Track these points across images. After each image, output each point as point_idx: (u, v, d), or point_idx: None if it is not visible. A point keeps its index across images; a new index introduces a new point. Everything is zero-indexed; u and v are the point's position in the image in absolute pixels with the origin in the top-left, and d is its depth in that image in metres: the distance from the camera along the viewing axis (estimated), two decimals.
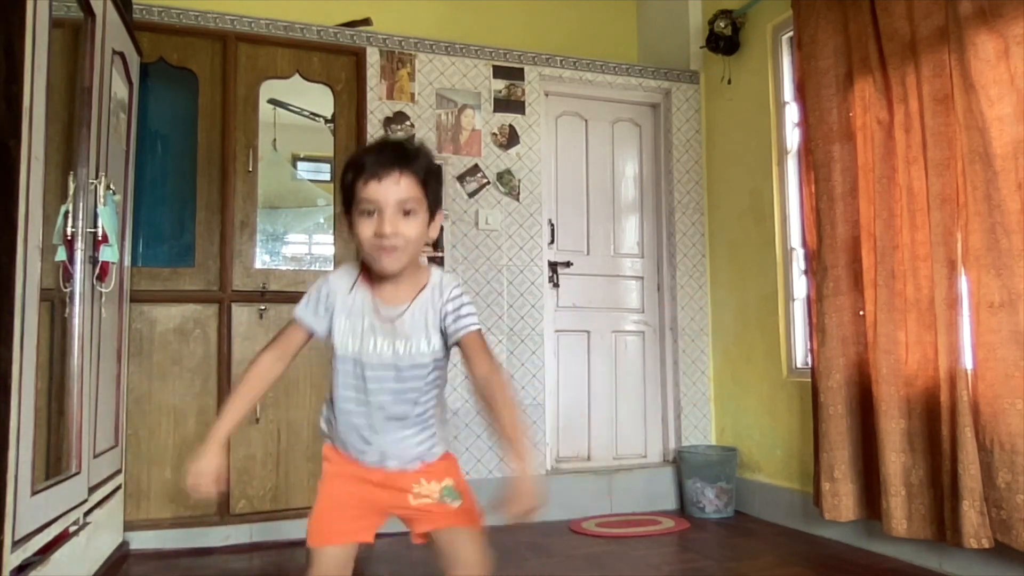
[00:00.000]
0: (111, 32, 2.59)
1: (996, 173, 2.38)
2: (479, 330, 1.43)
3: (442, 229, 3.54)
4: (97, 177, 2.38)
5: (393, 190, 1.34)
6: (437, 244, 3.54)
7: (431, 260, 3.53)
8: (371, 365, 1.41)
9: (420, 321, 1.41)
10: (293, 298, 3.29)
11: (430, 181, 1.39)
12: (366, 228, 1.34)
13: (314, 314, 1.45)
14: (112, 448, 2.75)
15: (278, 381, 1.51)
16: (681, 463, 3.75)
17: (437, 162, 1.47)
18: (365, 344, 1.41)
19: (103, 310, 2.55)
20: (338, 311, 1.43)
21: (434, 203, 1.41)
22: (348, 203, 1.39)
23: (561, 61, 3.89)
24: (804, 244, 3.20)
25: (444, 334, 1.43)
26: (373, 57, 3.54)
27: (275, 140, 3.50)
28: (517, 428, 1.38)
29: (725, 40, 3.80)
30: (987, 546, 2.35)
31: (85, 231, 2.29)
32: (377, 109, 3.52)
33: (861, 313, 2.87)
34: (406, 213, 1.35)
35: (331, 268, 3.44)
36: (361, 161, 1.36)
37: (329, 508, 1.47)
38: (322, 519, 1.46)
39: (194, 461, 1.38)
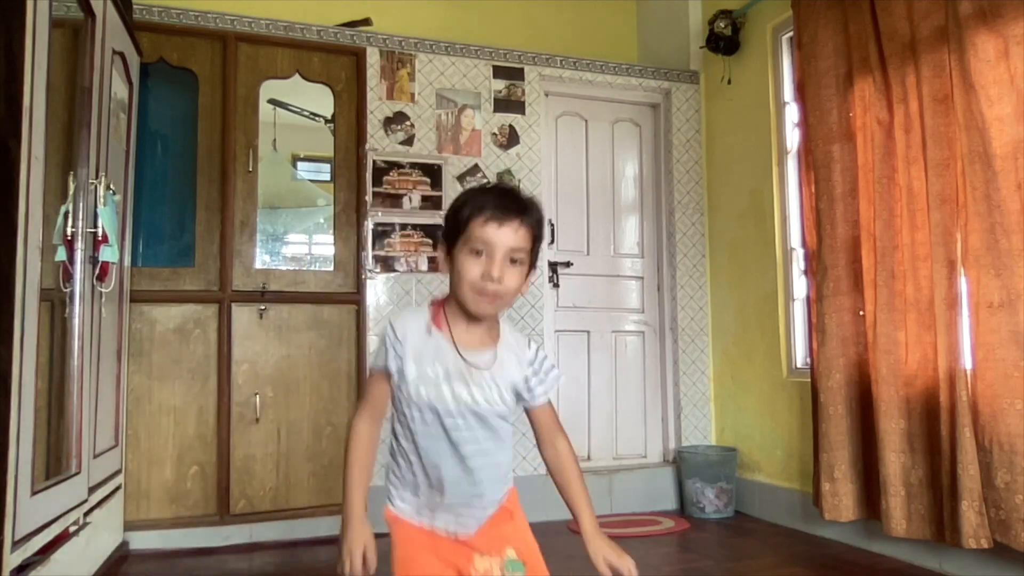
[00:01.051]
0: (111, 32, 2.59)
1: (996, 173, 2.38)
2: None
3: (442, 228, 3.54)
4: (97, 177, 2.39)
5: (510, 237, 1.32)
6: (437, 244, 3.54)
7: (431, 260, 3.53)
8: (449, 416, 1.35)
9: (499, 377, 1.38)
10: (293, 298, 3.33)
11: (539, 237, 1.39)
12: (474, 268, 1.31)
13: (388, 363, 1.38)
14: (112, 448, 2.75)
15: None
16: (681, 463, 3.75)
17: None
18: (440, 392, 1.34)
19: (103, 310, 2.55)
20: (408, 356, 1.35)
21: (535, 259, 1.40)
22: (453, 236, 1.35)
23: (561, 61, 3.89)
24: (804, 244, 3.20)
25: (519, 392, 1.41)
26: (373, 57, 3.54)
27: (275, 140, 3.50)
28: (588, 502, 1.45)
29: (725, 40, 3.80)
30: (986, 546, 2.35)
31: (85, 231, 2.29)
32: (377, 109, 3.52)
33: (861, 313, 2.87)
34: (512, 262, 1.33)
35: (331, 268, 3.44)
36: (484, 201, 1.34)
37: (419, 559, 1.38)
38: (420, 569, 1.37)
39: (352, 541, 1.32)
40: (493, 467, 1.39)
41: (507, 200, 1.34)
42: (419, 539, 1.38)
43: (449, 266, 1.37)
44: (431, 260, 3.53)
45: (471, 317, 1.36)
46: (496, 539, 1.39)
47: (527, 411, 1.44)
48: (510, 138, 3.73)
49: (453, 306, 1.38)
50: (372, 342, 3.39)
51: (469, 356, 1.36)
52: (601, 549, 1.38)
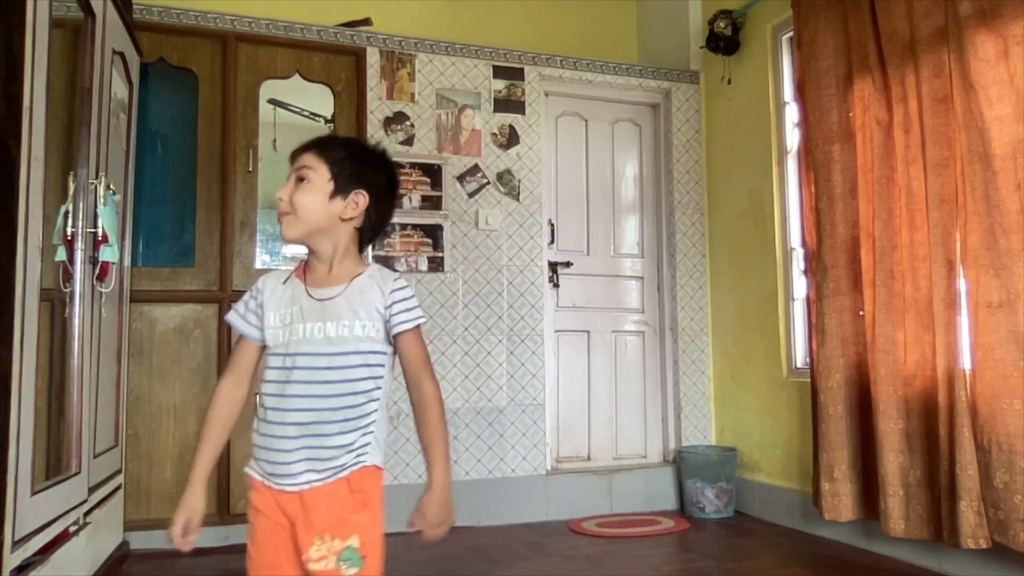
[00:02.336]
0: (111, 32, 2.59)
1: (995, 173, 2.38)
2: (419, 327, 1.41)
3: (442, 229, 3.55)
4: (97, 177, 2.39)
5: (297, 162, 1.43)
6: (437, 243, 3.55)
7: (431, 260, 3.53)
8: (301, 354, 1.35)
9: (356, 301, 1.37)
10: None
11: (337, 157, 1.42)
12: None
13: (243, 319, 1.42)
14: (112, 448, 2.75)
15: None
16: (681, 463, 3.75)
17: (381, 150, 1.50)
18: (294, 332, 1.36)
19: (103, 310, 2.55)
20: (268, 307, 1.40)
21: (345, 179, 1.40)
22: None
23: (561, 61, 3.89)
24: (804, 244, 3.20)
25: (386, 324, 1.39)
26: (373, 57, 3.54)
27: (275, 140, 3.50)
28: (445, 453, 1.40)
29: (725, 40, 3.80)
30: (984, 546, 2.35)
31: (85, 231, 2.29)
32: (377, 109, 3.52)
33: (861, 313, 2.87)
34: (300, 180, 1.41)
35: None
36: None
37: (263, 551, 1.37)
38: (259, 563, 1.37)
39: (181, 506, 1.36)
40: (337, 411, 1.34)
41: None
42: (270, 516, 1.36)
43: None
44: (431, 260, 3.53)
45: (322, 260, 1.42)
46: (344, 524, 1.33)
47: (395, 348, 1.41)
48: (510, 138, 3.73)
49: (310, 258, 1.44)
50: None
51: (318, 293, 1.39)
52: (432, 508, 1.35)
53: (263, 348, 1.42)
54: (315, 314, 1.37)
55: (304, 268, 1.44)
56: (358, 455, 1.35)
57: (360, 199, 1.41)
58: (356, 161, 1.43)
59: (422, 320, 1.41)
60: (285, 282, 1.42)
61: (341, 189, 1.40)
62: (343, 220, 1.40)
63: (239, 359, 1.44)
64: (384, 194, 1.45)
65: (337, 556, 1.32)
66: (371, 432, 1.38)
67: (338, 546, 1.32)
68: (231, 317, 1.45)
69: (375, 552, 1.36)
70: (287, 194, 1.41)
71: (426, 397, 1.40)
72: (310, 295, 1.39)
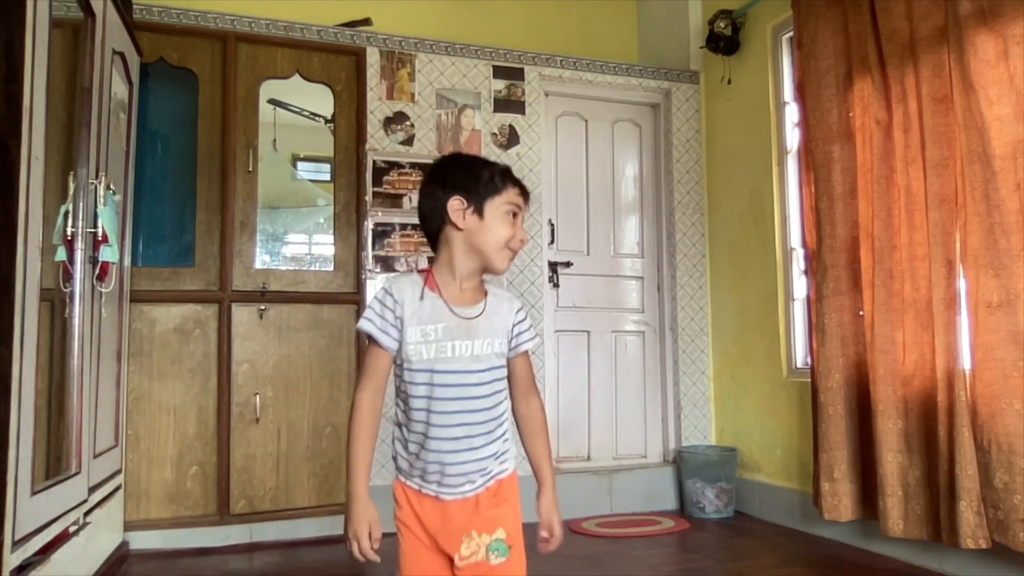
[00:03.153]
0: (111, 32, 2.59)
1: (995, 173, 2.38)
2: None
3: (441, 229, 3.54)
4: (97, 177, 2.39)
5: (518, 199, 1.46)
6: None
7: (431, 260, 3.52)
8: (448, 372, 1.39)
9: (496, 322, 1.45)
10: (293, 298, 3.33)
11: None
12: (506, 228, 1.43)
13: (384, 333, 1.40)
14: (112, 448, 2.75)
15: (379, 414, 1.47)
16: (681, 463, 3.75)
17: None
18: (441, 350, 1.39)
19: (103, 310, 2.56)
20: (408, 322, 1.40)
21: None
22: (481, 195, 1.43)
23: (561, 61, 3.89)
24: (804, 244, 3.20)
25: (510, 342, 1.47)
26: (373, 57, 3.54)
27: (275, 140, 3.50)
28: (550, 461, 1.53)
29: (725, 40, 3.80)
30: (984, 546, 2.35)
31: (85, 231, 2.29)
32: (377, 109, 3.52)
33: (861, 313, 2.87)
34: (514, 215, 1.46)
35: (331, 268, 3.44)
36: (503, 170, 1.48)
37: (417, 569, 1.44)
38: (417, 570, 1.43)
39: (358, 520, 1.37)
40: (483, 424, 1.42)
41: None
42: (416, 532, 1.43)
43: (465, 221, 1.42)
44: (431, 260, 3.52)
45: (462, 279, 1.45)
46: (488, 520, 1.43)
47: (508, 363, 1.49)
48: (510, 138, 3.73)
49: (442, 271, 1.46)
50: None
51: (462, 312, 1.42)
52: (550, 511, 1.50)
53: (394, 358, 1.43)
54: (462, 332, 1.41)
55: (434, 281, 1.45)
56: (503, 462, 1.47)
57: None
58: None
59: (538, 341, 1.52)
60: (422, 297, 1.42)
61: None
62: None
63: (377, 369, 1.43)
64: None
65: (486, 547, 1.42)
66: (508, 439, 1.49)
67: (486, 539, 1.42)
68: (369, 328, 1.41)
69: (520, 542, 1.46)
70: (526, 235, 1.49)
71: (535, 409, 1.52)
72: (454, 312, 1.42)
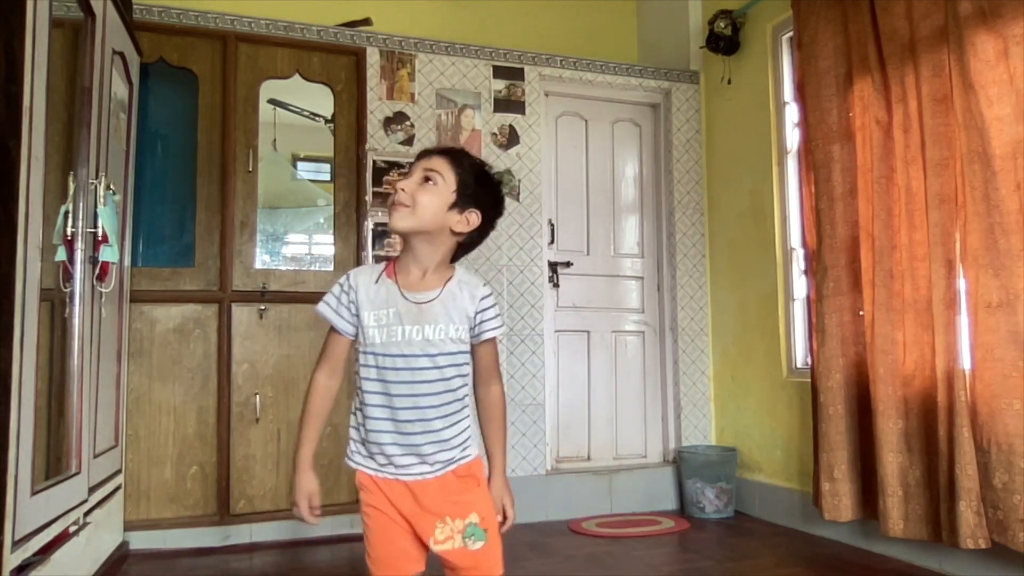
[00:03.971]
0: (111, 32, 2.59)
1: (995, 173, 2.38)
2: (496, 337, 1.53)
3: None
4: (97, 177, 2.39)
5: (426, 163, 1.46)
6: None
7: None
8: (401, 356, 1.43)
9: (451, 306, 1.46)
10: (293, 298, 3.33)
11: (465, 171, 1.47)
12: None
13: (337, 314, 1.47)
14: (112, 448, 2.75)
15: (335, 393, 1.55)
16: (681, 463, 3.75)
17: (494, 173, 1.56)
18: (392, 334, 1.43)
19: (103, 310, 2.56)
20: (363, 306, 1.45)
21: (467, 195, 1.46)
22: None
23: (561, 61, 3.89)
24: (804, 244, 3.20)
25: (471, 325, 1.48)
26: (373, 57, 3.54)
27: (275, 140, 3.50)
28: (503, 446, 1.56)
29: (725, 40, 3.80)
30: (984, 547, 2.35)
31: (85, 231, 2.29)
32: (377, 109, 3.52)
33: (861, 313, 2.87)
34: (426, 180, 1.44)
35: (331, 268, 3.44)
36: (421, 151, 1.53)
37: (386, 548, 1.46)
38: (384, 560, 1.46)
39: (298, 490, 1.46)
40: (439, 408, 1.45)
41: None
42: (388, 513, 1.45)
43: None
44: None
45: (418, 264, 1.46)
46: (460, 504, 1.46)
47: (472, 349, 1.51)
48: (510, 138, 3.73)
49: (404, 258, 1.49)
50: None
51: (414, 297, 1.45)
52: (501, 493, 1.53)
53: (353, 342, 1.48)
54: (412, 317, 1.44)
55: (394, 268, 1.48)
56: (463, 448, 1.49)
57: (473, 217, 1.48)
58: (480, 182, 1.49)
59: (503, 329, 1.54)
60: (377, 281, 1.46)
61: (460, 203, 1.46)
62: (452, 232, 1.46)
63: (333, 352, 1.50)
64: (491, 220, 1.52)
65: (461, 534, 1.44)
66: (468, 426, 1.51)
67: (459, 525, 1.45)
68: (323, 310, 1.48)
69: (495, 526, 1.50)
70: (411, 187, 1.44)
71: (495, 395, 1.55)
72: (406, 298, 1.45)
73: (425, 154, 1.49)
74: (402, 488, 1.44)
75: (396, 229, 1.45)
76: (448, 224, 1.45)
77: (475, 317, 1.48)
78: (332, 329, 1.48)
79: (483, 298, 1.49)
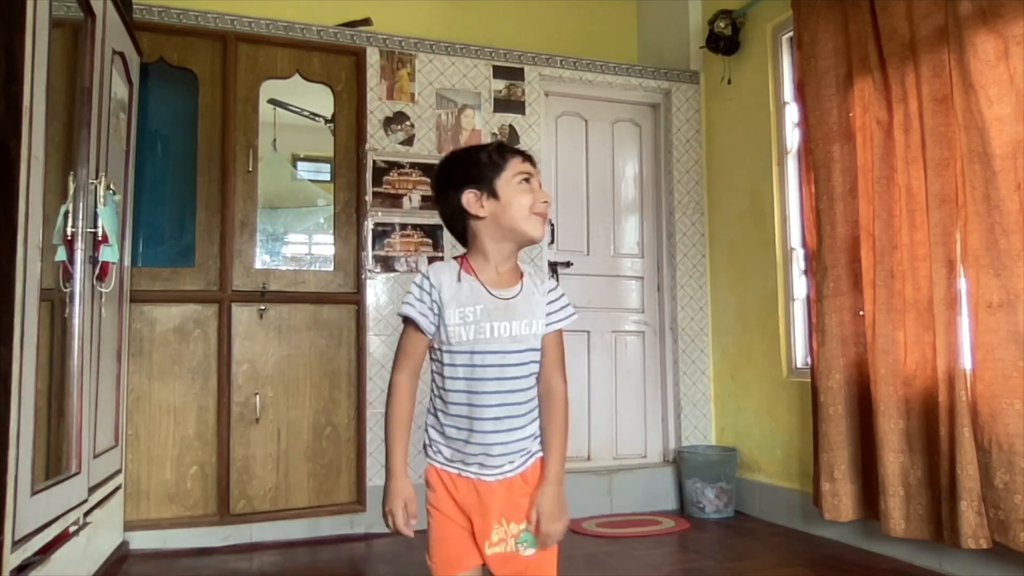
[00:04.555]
0: (111, 32, 2.59)
1: (995, 173, 2.38)
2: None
3: (442, 229, 3.54)
4: (97, 177, 2.39)
5: (528, 166, 1.48)
6: (437, 243, 3.55)
7: (431, 260, 3.53)
8: (487, 352, 1.41)
9: (532, 302, 1.46)
10: (293, 298, 3.32)
11: None
12: (525, 196, 1.44)
13: (424, 317, 1.43)
14: (112, 448, 2.75)
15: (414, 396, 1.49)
16: (681, 463, 3.75)
17: None
18: (480, 331, 1.41)
19: (103, 310, 2.55)
20: (447, 305, 1.42)
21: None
22: (488, 178, 1.44)
23: (561, 61, 3.89)
24: (804, 244, 3.20)
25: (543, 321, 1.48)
26: (373, 57, 3.54)
27: (275, 140, 3.50)
28: (563, 447, 1.48)
29: (725, 40, 3.80)
30: (985, 546, 2.35)
31: (85, 231, 2.29)
32: (377, 109, 3.52)
33: (861, 313, 2.87)
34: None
35: (331, 268, 3.44)
36: (502, 143, 1.53)
37: (448, 551, 1.44)
38: (445, 561, 1.43)
39: (393, 497, 1.40)
40: (523, 404, 1.44)
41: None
42: (450, 513, 1.44)
43: (484, 208, 1.43)
44: (431, 260, 3.53)
45: (497, 263, 1.46)
46: (518, 508, 1.43)
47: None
48: (510, 138, 3.73)
49: (477, 256, 1.47)
50: (372, 342, 3.39)
51: (500, 293, 1.44)
52: (546, 499, 1.43)
53: (430, 342, 1.46)
54: (500, 313, 1.42)
55: (469, 266, 1.46)
56: (535, 440, 1.47)
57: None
58: None
59: (575, 317, 1.51)
60: (459, 279, 1.44)
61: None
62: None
63: (415, 352, 1.47)
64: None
65: (515, 539, 1.41)
66: (537, 420, 1.48)
67: (514, 529, 1.42)
68: (409, 311, 1.43)
69: None
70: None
71: (557, 391, 1.49)
72: (492, 294, 1.43)
73: (525, 156, 1.49)
74: (468, 485, 1.43)
75: (540, 239, 1.47)
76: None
77: (547, 307, 1.48)
78: (412, 329, 1.45)
79: (551, 290, 1.50)
